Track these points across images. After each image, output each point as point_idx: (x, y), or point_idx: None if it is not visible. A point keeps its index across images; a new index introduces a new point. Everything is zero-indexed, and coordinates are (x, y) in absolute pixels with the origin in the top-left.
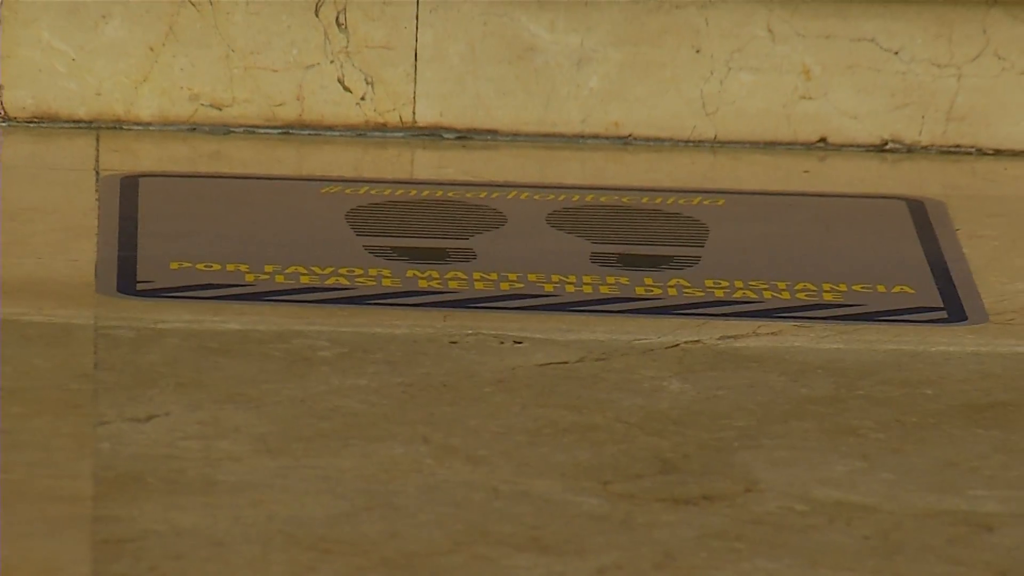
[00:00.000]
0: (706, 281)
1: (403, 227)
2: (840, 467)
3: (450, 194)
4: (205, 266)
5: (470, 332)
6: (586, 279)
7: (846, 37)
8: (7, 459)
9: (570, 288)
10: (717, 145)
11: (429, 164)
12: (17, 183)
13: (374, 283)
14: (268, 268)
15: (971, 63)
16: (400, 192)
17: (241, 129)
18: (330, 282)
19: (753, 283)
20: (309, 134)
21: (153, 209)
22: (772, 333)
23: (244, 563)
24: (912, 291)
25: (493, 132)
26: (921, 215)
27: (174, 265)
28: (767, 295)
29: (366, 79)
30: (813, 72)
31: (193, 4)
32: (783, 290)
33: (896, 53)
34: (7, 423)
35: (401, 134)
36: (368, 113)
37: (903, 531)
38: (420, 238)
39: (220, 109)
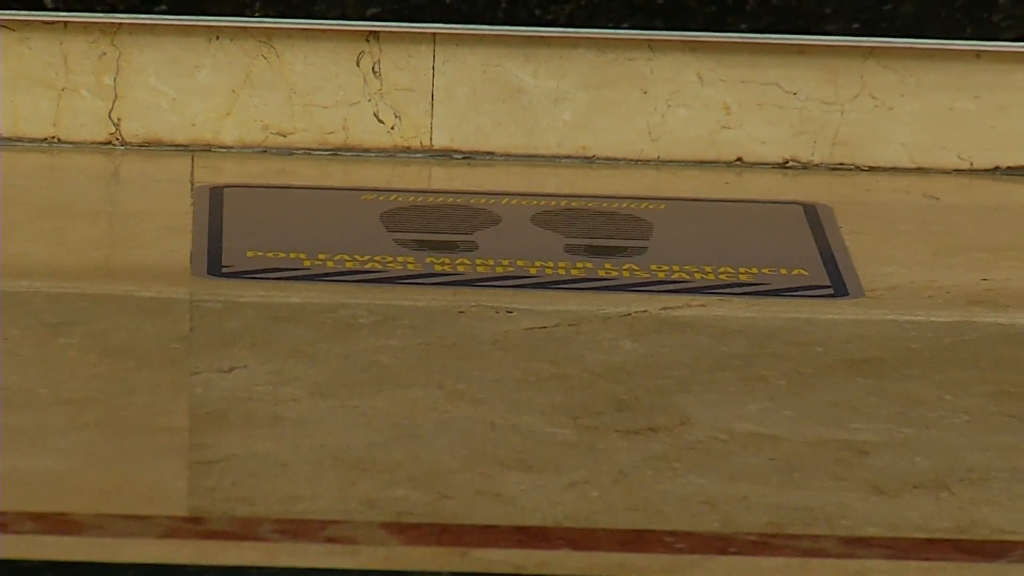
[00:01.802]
0: (651, 266)
1: (422, 225)
2: (752, 406)
3: (458, 200)
4: (273, 254)
5: (473, 304)
6: (561, 264)
7: (757, 82)
8: (123, 401)
9: (548, 271)
10: (659, 163)
11: (442, 178)
12: (131, 192)
13: (401, 267)
14: (321, 256)
15: (851, 101)
16: (420, 199)
17: (300, 151)
18: (368, 266)
19: (687, 267)
20: (352, 155)
21: (234, 212)
22: (701, 305)
23: (302, 479)
24: (807, 273)
25: (491, 153)
26: (814, 216)
27: (250, 253)
28: (697, 276)
29: (395, 113)
30: (732, 108)
31: (264, 57)
32: (709, 272)
33: (795, 94)
34: (123, 374)
35: (421, 155)
36: (396, 139)
37: (800, 455)
38: (435, 233)
39: (284, 136)
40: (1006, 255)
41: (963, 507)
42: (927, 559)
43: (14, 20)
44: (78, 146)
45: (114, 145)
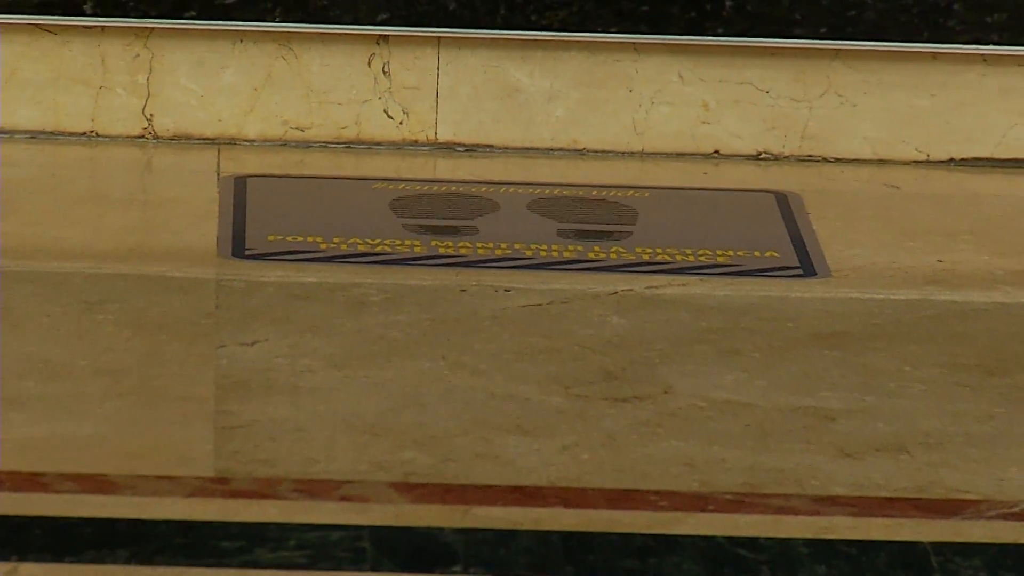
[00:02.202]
0: (636, 249)
1: (428, 211)
2: (729, 377)
3: (460, 189)
4: (292, 238)
5: (474, 284)
6: (554, 247)
7: (733, 81)
8: (155, 372)
9: (543, 253)
10: (644, 155)
11: (446, 168)
12: (162, 182)
13: (408, 250)
14: (335, 239)
15: (818, 99)
16: (426, 188)
17: (317, 145)
18: (378, 249)
19: (669, 250)
20: (363, 148)
21: (256, 199)
22: (682, 284)
23: (318, 443)
24: (778, 255)
25: (490, 146)
26: (784, 204)
27: (271, 237)
28: (679, 258)
29: (403, 110)
30: (710, 105)
31: (284, 59)
32: (689, 255)
33: (767, 92)
34: (156, 346)
35: (427, 148)
36: (404, 133)
37: (772, 421)
38: (440, 219)
39: (302, 131)
40: (960, 239)
41: (921, 468)
42: (889, 516)
43: (56, 24)
44: (114, 139)
45: (147, 139)
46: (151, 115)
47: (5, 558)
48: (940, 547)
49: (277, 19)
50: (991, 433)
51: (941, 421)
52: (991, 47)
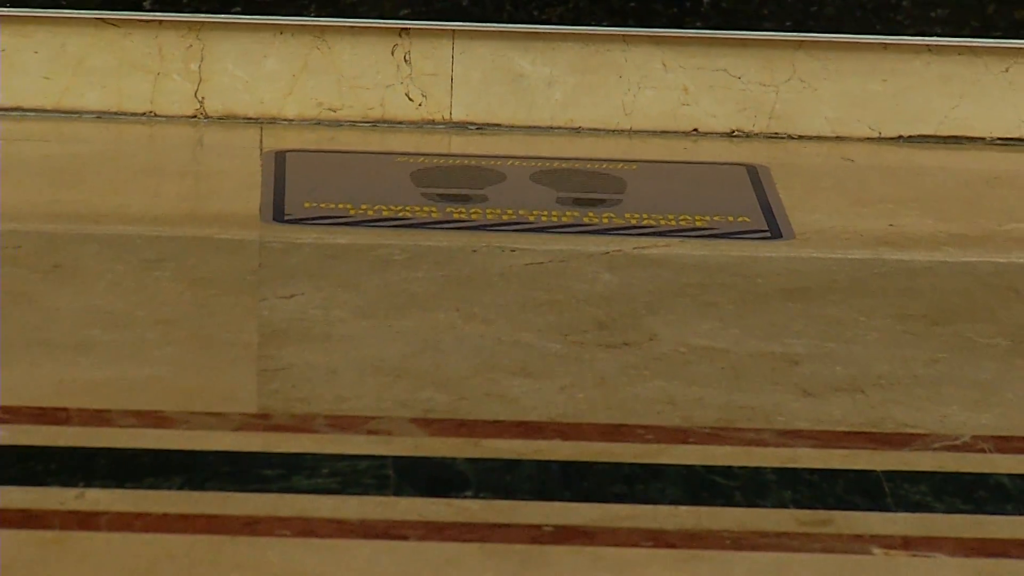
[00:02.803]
0: (625, 214)
1: (444, 181)
2: (706, 326)
3: (472, 162)
4: (325, 205)
5: (484, 244)
6: (554, 213)
7: (709, 68)
8: (206, 321)
9: (544, 218)
10: (632, 133)
11: (459, 144)
12: (212, 156)
13: (426, 215)
14: (363, 206)
15: (784, 84)
16: (442, 161)
17: (347, 124)
18: (400, 215)
19: (654, 215)
20: (387, 127)
21: (294, 171)
22: (665, 245)
23: (348, 383)
24: (749, 220)
25: (498, 125)
26: (754, 175)
27: (307, 204)
28: (662, 223)
29: (422, 93)
30: (689, 89)
31: (318, 49)
32: (671, 219)
33: (739, 78)
34: (206, 299)
35: (443, 127)
36: (423, 114)
37: (744, 365)
38: (454, 188)
39: (334, 111)
40: (908, 206)
41: (874, 406)
42: (846, 448)
43: (119, 18)
44: (170, 119)
45: (199, 118)
46: (202, 98)
47: (74, 484)
48: (891, 475)
49: (312, 14)
50: (935, 375)
51: (891, 365)
52: (935, 38)
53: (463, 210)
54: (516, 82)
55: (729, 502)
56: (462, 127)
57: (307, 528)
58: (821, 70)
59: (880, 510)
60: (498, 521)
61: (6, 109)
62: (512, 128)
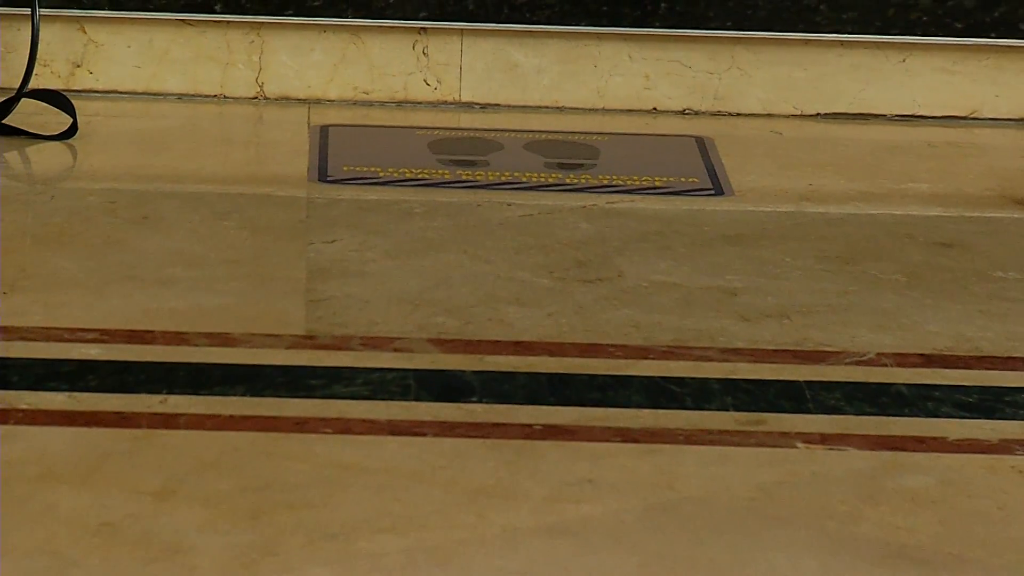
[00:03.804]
0: (599, 176)
1: (455, 149)
2: (662, 265)
3: (476, 135)
4: (359, 168)
5: (486, 200)
6: (542, 175)
7: (666, 59)
8: (264, 261)
9: (534, 179)
10: (604, 111)
11: (467, 120)
12: (270, 129)
13: (440, 177)
14: (390, 169)
15: (726, 72)
16: (453, 133)
17: (377, 104)
18: (420, 176)
19: (622, 177)
20: (410, 106)
21: (336, 142)
22: (631, 201)
23: (378, 310)
24: (697, 181)
25: (497, 105)
26: (702, 145)
27: (345, 168)
28: (628, 182)
29: (437, 80)
30: (650, 77)
31: (354, 44)
32: (636, 180)
33: (690, 67)
34: (264, 243)
35: (454, 106)
36: (438, 96)
37: (693, 297)
38: (463, 155)
39: (367, 94)
40: (824, 169)
41: (798, 329)
42: (775, 363)
43: (195, 19)
44: (236, 100)
45: (259, 100)
46: (262, 83)
47: (158, 392)
48: (811, 384)
49: (349, 16)
50: (846, 304)
51: (811, 296)
52: (846, 35)
53: (470, 173)
54: (512, 70)
55: (682, 406)
56: (469, 106)
57: (345, 427)
58: (755, 60)
59: (802, 412)
60: (498, 421)
61: (105, 92)
62: (509, 107)
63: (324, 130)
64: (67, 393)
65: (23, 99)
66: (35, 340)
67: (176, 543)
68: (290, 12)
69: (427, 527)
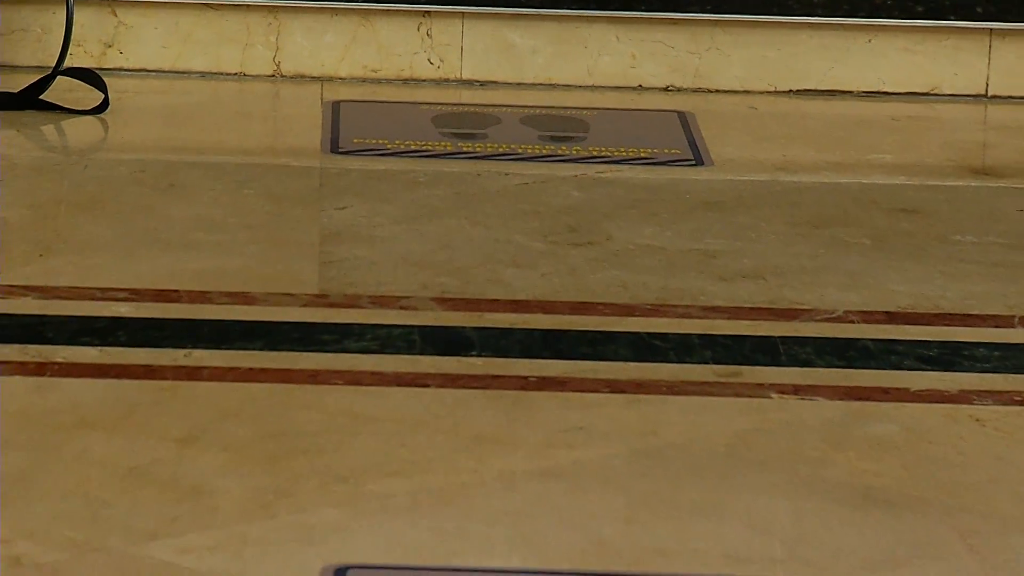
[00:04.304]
0: (589, 148)
1: (456, 123)
2: (647, 230)
3: (476, 110)
4: (369, 140)
5: (485, 170)
6: (536, 147)
7: (650, 40)
8: (281, 226)
9: (530, 150)
10: (594, 88)
11: (467, 96)
12: (286, 105)
13: (443, 148)
14: (396, 142)
15: (705, 52)
16: (454, 108)
17: (385, 81)
18: (424, 148)
19: (610, 148)
20: (415, 83)
21: (346, 116)
22: (618, 170)
23: (386, 270)
24: (679, 152)
25: (495, 82)
26: (683, 119)
27: (355, 140)
28: (616, 153)
29: (440, 59)
30: (636, 56)
31: (364, 25)
32: (623, 151)
33: (673, 47)
34: (281, 210)
35: (455, 83)
36: (441, 74)
37: (675, 259)
38: (463, 128)
39: (376, 72)
40: (796, 141)
41: (772, 289)
42: (751, 319)
43: (218, 4)
44: (255, 78)
45: (276, 77)
46: (279, 62)
47: (183, 346)
48: (784, 339)
49: (359, 0)
50: (817, 266)
51: (784, 258)
52: (816, 18)
53: (470, 145)
54: (509, 50)
55: (665, 359)
56: (469, 84)
57: (355, 379)
58: (732, 41)
59: (776, 365)
60: (496, 373)
61: (134, 70)
62: (506, 84)
63: (336, 105)
64: (99, 348)
65: (58, 76)
66: (69, 299)
67: (199, 486)
68: None
69: (431, 471)
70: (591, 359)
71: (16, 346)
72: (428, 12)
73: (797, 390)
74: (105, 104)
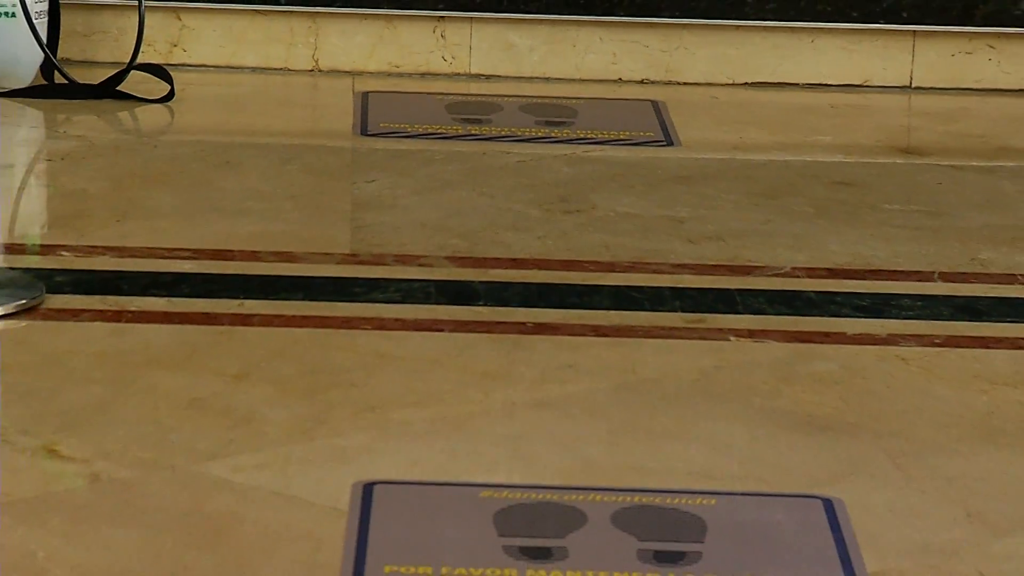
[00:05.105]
0: (577, 131)
1: (465, 110)
2: (626, 199)
3: (483, 99)
4: (392, 125)
5: (490, 150)
6: (532, 130)
7: (629, 41)
8: (319, 196)
9: (527, 133)
10: (581, 81)
11: (475, 88)
12: (323, 95)
13: (454, 132)
14: (416, 125)
15: (675, 50)
16: (464, 98)
17: (406, 75)
18: (439, 131)
19: (595, 131)
20: (431, 77)
21: (375, 105)
22: (602, 150)
23: (406, 235)
24: (653, 134)
25: (499, 76)
26: (656, 107)
27: (382, 124)
28: (599, 135)
29: (452, 56)
30: (616, 54)
31: (388, 28)
32: (605, 134)
33: (648, 47)
34: (319, 183)
35: (465, 77)
36: (453, 69)
37: (650, 224)
38: (471, 115)
39: (398, 67)
40: (751, 125)
41: (732, 249)
42: (713, 275)
43: (266, 10)
44: (297, 72)
45: (315, 72)
46: (317, 59)
47: (236, 297)
48: (741, 291)
49: (384, 7)
50: (769, 230)
51: (741, 223)
52: (768, 22)
53: (477, 128)
54: (510, 49)
55: (640, 308)
56: (477, 77)
57: (381, 324)
58: (698, 42)
59: (734, 313)
60: (499, 320)
61: (195, 65)
62: (507, 78)
63: (365, 96)
64: (166, 298)
65: (132, 71)
66: (141, 257)
67: (250, 414)
68: (339, 4)
69: (444, 401)
70: (579, 308)
71: (96, 297)
72: (442, 17)
73: (751, 334)
74: (171, 94)
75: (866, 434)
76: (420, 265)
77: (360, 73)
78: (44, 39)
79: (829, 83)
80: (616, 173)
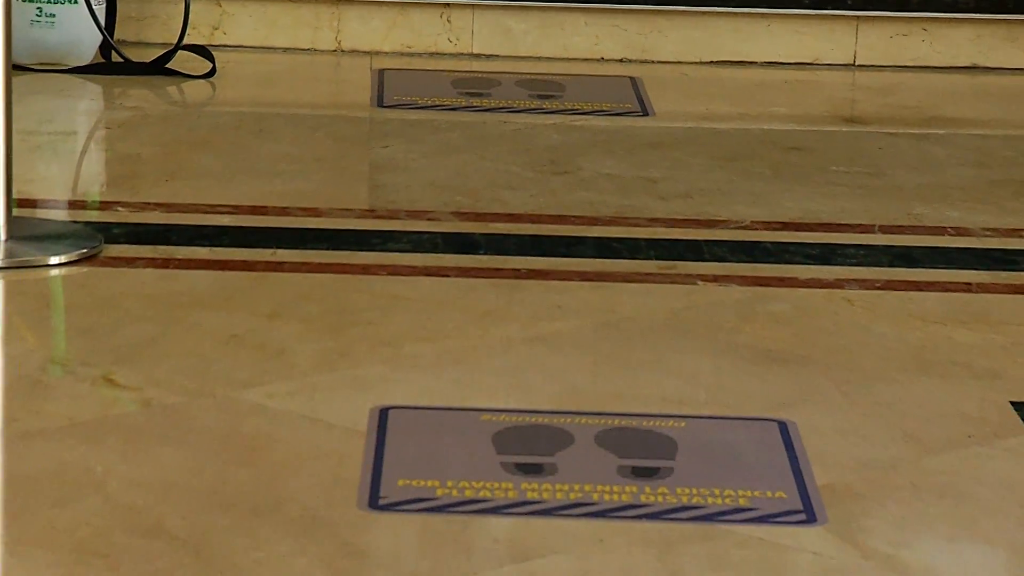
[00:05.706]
0: (565, 103)
1: (468, 86)
2: (608, 162)
3: (484, 76)
4: (405, 98)
5: (489, 120)
6: (526, 102)
7: (609, 25)
8: (342, 160)
9: (521, 105)
10: (569, 60)
11: (478, 66)
12: (345, 72)
13: (458, 103)
14: (424, 99)
15: (650, 34)
16: (468, 74)
17: (416, 54)
18: (445, 103)
19: (579, 103)
20: (439, 56)
21: (389, 80)
22: (586, 119)
23: (416, 193)
24: (631, 106)
25: (498, 55)
26: (635, 83)
27: (395, 98)
28: (584, 107)
29: (457, 38)
30: (599, 37)
31: (401, 15)
32: (589, 105)
33: (626, 30)
34: (342, 148)
35: (468, 56)
36: (458, 49)
37: (627, 183)
38: (474, 89)
39: (410, 48)
40: (715, 98)
41: (699, 205)
42: (683, 228)
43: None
44: (322, 52)
45: (337, 52)
46: (339, 40)
47: (269, 246)
48: (707, 242)
49: None
50: (731, 189)
51: (707, 183)
52: (729, 8)
53: (478, 101)
54: (507, 32)
55: (619, 256)
56: (478, 56)
57: (395, 271)
58: (669, 25)
59: (701, 260)
60: (497, 267)
61: (234, 46)
62: (505, 57)
63: (381, 73)
64: (208, 248)
65: (179, 51)
66: (187, 212)
67: (282, 348)
68: None
69: (450, 337)
70: (566, 256)
71: (148, 246)
72: (448, 4)
73: (716, 279)
74: (213, 71)
75: (816, 365)
76: (429, 219)
77: (377, 53)
78: (102, 23)
79: (783, 61)
80: (599, 140)
